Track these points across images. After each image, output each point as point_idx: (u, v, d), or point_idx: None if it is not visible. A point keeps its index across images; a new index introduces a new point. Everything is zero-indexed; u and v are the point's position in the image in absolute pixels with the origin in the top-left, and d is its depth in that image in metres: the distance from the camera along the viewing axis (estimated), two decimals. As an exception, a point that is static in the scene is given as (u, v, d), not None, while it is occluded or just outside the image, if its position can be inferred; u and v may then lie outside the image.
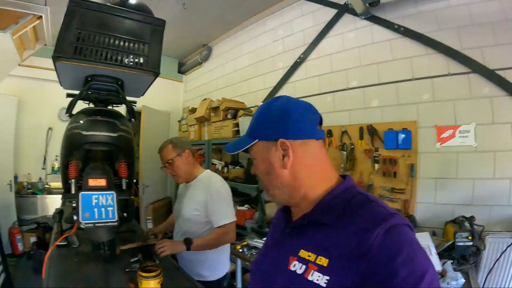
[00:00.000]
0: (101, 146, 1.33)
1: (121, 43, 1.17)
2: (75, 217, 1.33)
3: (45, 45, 4.15)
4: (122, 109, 1.48)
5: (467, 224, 1.90)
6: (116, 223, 1.13)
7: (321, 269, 0.57)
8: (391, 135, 2.30)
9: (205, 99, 3.64)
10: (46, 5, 3.16)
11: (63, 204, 1.51)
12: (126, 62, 1.17)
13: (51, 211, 3.91)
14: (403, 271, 0.48)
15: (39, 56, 4.11)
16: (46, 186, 4.19)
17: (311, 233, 0.65)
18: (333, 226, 0.61)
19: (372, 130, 2.41)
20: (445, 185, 2.13)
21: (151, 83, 1.37)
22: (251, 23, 3.80)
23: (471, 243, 1.82)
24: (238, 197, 3.17)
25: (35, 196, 3.96)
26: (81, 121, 1.30)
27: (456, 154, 2.10)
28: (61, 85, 1.47)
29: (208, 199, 1.63)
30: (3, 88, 3.81)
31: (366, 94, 2.56)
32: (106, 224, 1.11)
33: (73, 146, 1.31)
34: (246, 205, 2.98)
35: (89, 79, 1.23)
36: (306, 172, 0.68)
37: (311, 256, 0.60)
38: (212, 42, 4.52)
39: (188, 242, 1.53)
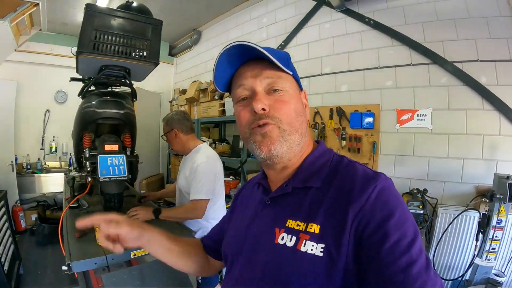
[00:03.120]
0: (111, 121, 1.78)
1: (129, 40, 1.62)
2: (89, 179, 1.82)
3: (40, 30, 4.45)
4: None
5: (419, 195, 2.34)
6: (126, 178, 1.61)
7: (314, 237, 0.55)
8: (357, 116, 2.76)
9: (195, 81, 4.08)
10: (43, -7, 3.47)
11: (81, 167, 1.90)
12: (133, 55, 1.62)
13: (49, 190, 4.39)
14: (395, 235, 0.49)
15: (34, 41, 4.44)
16: (45, 165, 4.58)
17: (296, 200, 0.63)
18: (320, 189, 0.61)
19: (340, 112, 2.87)
20: (403, 162, 2.56)
21: (151, 71, 1.83)
22: (238, 10, 4.14)
23: (422, 211, 2.25)
24: (225, 170, 3.74)
25: (34, 175, 4.34)
26: (94, 101, 1.73)
27: (413, 135, 2.52)
28: (77, 72, 1.89)
29: (190, 173, 1.85)
30: (2, 73, 4.13)
31: (337, 79, 2.99)
32: (119, 178, 1.59)
33: (87, 121, 1.76)
34: (231, 177, 3.55)
35: (103, 67, 1.67)
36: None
37: (301, 225, 0.58)
38: (202, 27, 4.86)
39: (156, 212, 1.78)
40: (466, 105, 2.31)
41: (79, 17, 4.06)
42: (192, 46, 5.11)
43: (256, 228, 0.68)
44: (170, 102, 4.76)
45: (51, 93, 4.73)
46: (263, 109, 0.62)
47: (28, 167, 4.46)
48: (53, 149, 4.70)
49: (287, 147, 0.63)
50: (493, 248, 1.95)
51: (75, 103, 4.52)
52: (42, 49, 4.51)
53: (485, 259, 1.96)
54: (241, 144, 3.28)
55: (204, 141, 3.49)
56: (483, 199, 2.13)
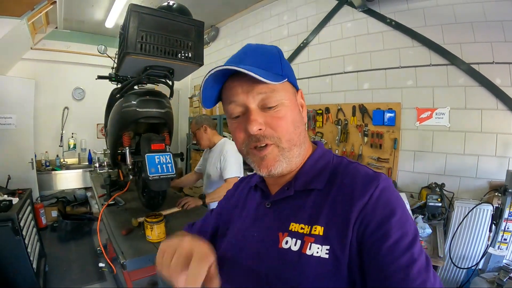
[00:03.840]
0: (153, 120, 1.81)
1: (174, 41, 1.64)
2: (130, 176, 1.86)
3: (56, 28, 4.45)
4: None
5: (438, 189, 2.45)
6: (174, 175, 1.65)
7: (318, 239, 0.54)
8: (379, 114, 2.83)
9: None
10: (60, -10, 3.48)
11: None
12: (179, 56, 1.65)
13: (68, 186, 4.43)
14: (395, 234, 0.48)
15: (50, 39, 4.45)
16: (64, 162, 4.61)
17: (299, 203, 0.62)
18: (322, 191, 0.60)
19: (363, 109, 2.94)
20: (422, 157, 2.65)
21: (193, 71, 1.86)
22: (257, 7, 4.15)
23: (440, 204, 2.36)
24: (246, 165, 3.84)
25: (53, 172, 4.36)
26: (135, 101, 1.76)
27: (432, 132, 2.60)
28: (117, 71, 1.91)
29: (221, 159, 2.21)
30: (20, 71, 4.22)
31: (359, 77, 3.04)
32: (168, 176, 1.63)
33: (128, 120, 1.78)
34: (253, 172, 3.59)
35: (147, 68, 1.69)
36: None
37: (305, 228, 0.57)
38: (219, 24, 4.85)
39: (203, 197, 2.11)
40: (482, 105, 2.38)
41: (96, 14, 4.14)
42: (209, 42, 5.10)
43: (257, 233, 0.65)
44: (190, 98, 4.75)
45: (69, 90, 4.76)
46: (259, 129, 0.58)
47: (47, 164, 4.48)
48: (72, 146, 4.73)
49: (287, 163, 0.61)
50: (505, 239, 2.06)
51: (92, 99, 4.68)
52: (58, 47, 4.51)
53: (498, 249, 2.05)
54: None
55: (225, 136, 3.58)
56: (496, 194, 2.22)
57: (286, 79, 0.61)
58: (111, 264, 2.20)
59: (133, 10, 1.53)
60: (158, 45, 1.60)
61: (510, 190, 1.99)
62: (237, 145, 0.64)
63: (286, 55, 3.76)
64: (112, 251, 2.32)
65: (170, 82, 1.84)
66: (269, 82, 0.54)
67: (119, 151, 2.10)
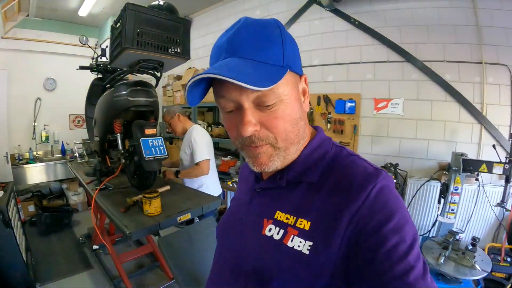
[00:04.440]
0: (142, 108, 1.98)
1: (166, 37, 1.81)
2: (122, 160, 2.03)
3: (28, 15, 4.29)
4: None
5: (392, 168, 2.84)
6: (167, 156, 1.85)
7: (303, 233, 0.53)
8: (341, 103, 3.19)
9: (190, 68, 4.21)
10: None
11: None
12: (170, 51, 1.83)
13: (43, 179, 4.33)
14: (393, 239, 0.46)
15: (21, 27, 4.28)
16: (37, 155, 4.48)
17: (288, 192, 0.60)
18: (315, 184, 0.57)
19: (327, 99, 3.29)
20: (379, 142, 3.04)
21: (180, 64, 2.04)
22: (230, 1, 4.27)
23: (394, 181, 2.80)
24: (221, 151, 4.18)
25: (26, 166, 4.22)
26: (125, 91, 1.92)
27: (388, 120, 2.98)
28: (110, 64, 2.03)
29: (190, 144, 2.50)
30: None
31: (324, 71, 3.37)
32: (161, 157, 1.83)
33: (120, 109, 1.94)
34: (229, 156, 3.91)
35: (140, 61, 1.85)
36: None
37: (290, 219, 0.56)
38: (193, 15, 4.89)
39: (176, 173, 2.56)
40: (432, 97, 2.78)
41: (70, 2, 4.08)
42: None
43: (245, 215, 0.66)
44: (164, 87, 4.83)
45: (40, 80, 4.60)
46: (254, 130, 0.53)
47: (20, 157, 4.35)
48: (44, 138, 4.61)
49: (282, 161, 0.58)
50: (452, 209, 2.45)
51: (64, 90, 4.59)
52: (30, 36, 4.35)
53: (446, 218, 2.46)
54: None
55: (200, 124, 3.81)
56: (444, 172, 2.66)
57: (288, 70, 0.53)
58: (107, 244, 2.35)
59: (130, 8, 1.66)
60: (151, 41, 1.75)
61: (454, 168, 2.40)
62: (231, 138, 0.60)
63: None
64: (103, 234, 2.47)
65: (158, 74, 2.01)
66: (265, 88, 0.47)
67: (109, 138, 2.24)
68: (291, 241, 0.54)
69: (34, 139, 4.53)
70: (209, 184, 2.63)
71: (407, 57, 2.85)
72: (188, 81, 0.52)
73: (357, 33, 3.11)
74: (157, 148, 1.83)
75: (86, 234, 3.57)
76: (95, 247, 3.11)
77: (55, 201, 4.13)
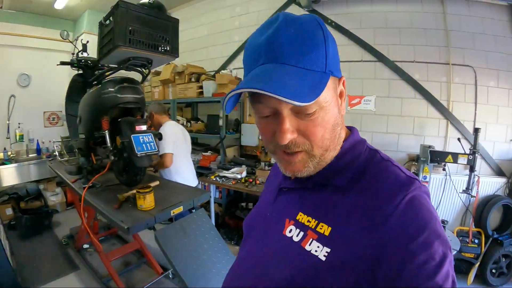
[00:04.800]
0: (130, 105, 2.00)
1: (155, 35, 1.86)
2: (111, 157, 2.06)
3: (1, 7, 4.09)
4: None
5: None
6: (158, 152, 1.91)
7: (322, 239, 0.52)
8: (317, 100, 3.41)
9: (168, 63, 4.14)
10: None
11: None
12: (159, 49, 1.88)
13: (19, 180, 4.15)
14: (421, 256, 0.43)
15: None
16: (13, 155, 4.27)
17: (313, 194, 0.59)
18: (342, 189, 0.55)
19: (302, 97, 3.48)
20: None
21: (168, 62, 2.09)
22: None
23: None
24: (201, 146, 4.26)
25: (0, 166, 4.01)
26: (113, 88, 1.93)
27: (361, 115, 3.19)
28: (98, 60, 2.02)
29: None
30: None
31: (299, 71, 3.56)
32: (152, 153, 1.88)
33: (108, 106, 1.95)
34: (209, 152, 3.97)
35: (130, 58, 1.89)
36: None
37: (311, 222, 0.55)
38: (172, 9, 4.82)
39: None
40: (402, 94, 3.02)
41: None
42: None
43: (270, 213, 0.66)
44: (142, 83, 4.77)
45: (14, 76, 4.38)
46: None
47: None
48: (19, 137, 4.40)
49: (315, 167, 0.56)
50: (422, 199, 2.71)
51: (39, 86, 4.44)
52: (2, 29, 4.13)
53: (415, 208, 2.71)
54: (220, 122, 3.60)
55: (178, 120, 3.84)
56: (413, 163, 2.90)
57: (330, 75, 0.51)
58: (97, 242, 2.35)
59: (122, 6, 1.68)
60: (142, 39, 1.78)
61: (422, 159, 2.65)
62: (264, 141, 0.58)
63: (237, 45, 4.05)
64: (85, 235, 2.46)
65: (146, 71, 2.05)
66: (310, 103, 0.46)
67: (95, 135, 2.25)
68: (309, 244, 0.53)
69: (8, 138, 4.33)
70: (185, 176, 2.77)
71: (380, 57, 3.07)
72: (229, 93, 0.49)
73: (334, 33, 3.15)
74: (148, 144, 1.88)
75: (68, 235, 3.51)
76: (85, 246, 3.08)
77: (33, 203, 4.00)
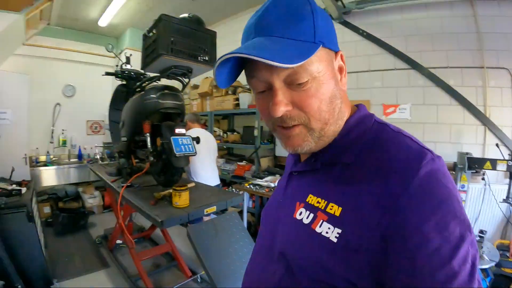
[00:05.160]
0: (171, 110, 2.15)
1: (196, 46, 2.02)
2: (151, 158, 2.19)
3: (49, 24, 4.52)
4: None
5: None
6: (195, 153, 2.02)
7: (332, 219, 0.50)
8: (352, 110, 3.42)
9: (207, 77, 4.41)
10: (57, -13, 3.63)
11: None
12: (199, 59, 2.03)
13: (59, 182, 4.49)
14: (435, 240, 0.40)
15: (42, 35, 4.55)
16: (55, 159, 4.68)
17: (322, 175, 0.57)
18: (351, 166, 0.52)
19: (339, 106, 3.52)
20: None
21: (206, 72, 2.23)
22: (246, 14, 4.50)
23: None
24: (236, 156, 4.41)
25: (43, 168, 4.40)
26: (154, 94, 2.08)
27: (396, 124, 3.11)
28: (142, 68, 2.19)
29: None
30: (11, 67, 4.12)
31: (335, 80, 3.61)
32: (190, 154, 2.00)
33: (150, 111, 2.10)
34: (244, 161, 4.07)
35: (172, 67, 2.04)
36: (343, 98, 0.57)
37: (321, 203, 0.53)
38: (207, 26, 5.14)
39: None
40: (438, 101, 2.96)
41: (91, 13, 4.40)
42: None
43: (282, 199, 0.66)
44: (182, 91, 5.04)
45: (59, 86, 4.86)
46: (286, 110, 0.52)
47: (37, 160, 4.52)
48: (62, 142, 4.82)
49: (316, 142, 0.55)
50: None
51: (82, 97, 4.85)
52: (50, 43, 4.63)
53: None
54: (255, 133, 3.72)
55: (215, 131, 4.04)
56: (451, 172, 2.80)
57: (321, 46, 0.49)
58: (130, 238, 2.48)
59: (164, 19, 1.87)
60: (183, 49, 1.94)
61: (459, 166, 2.57)
62: (264, 119, 0.59)
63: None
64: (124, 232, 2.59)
65: (186, 80, 2.20)
66: (294, 65, 0.45)
67: (136, 139, 2.41)
68: (320, 226, 0.51)
69: (52, 142, 4.74)
70: (202, 176, 3.00)
71: (413, 65, 3.04)
72: (216, 62, 0.50)
73: (366, 43, 3.32)
74: (186, 146, 2.00)
75: (102, 235, 3.69)
76: (118, 241, 3.24)
77: (71, 204, 4.22)
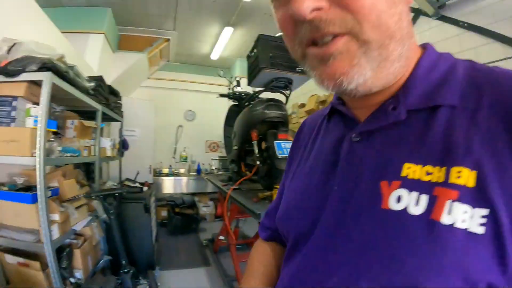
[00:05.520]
0: (276, 119, 2.36)
1: (291, 58, 2.30)
2: (257, 162, 2.49)
3: (168, 61, 5.60)
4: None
5: None
6: (296, 158, 2.25)
7: (466, 194, 0.30)
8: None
9: (312, 95, 4.58)
10: (174, 30, 4.58)
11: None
12: (296, 70, 2.29)
13: (177, 190, 5.14)
14: None
15: (163, 70, 5.67)
16: (176, 171, 5.49)
17: (416, 130, 0.36)
18: (460, 109, 0.34)
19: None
20: None
21: (304, 82, 2.48)
22: None
23: None
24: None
25: (165, 177, 5.06)
26: (260, 106, 2.35)
27: None
28: (248, 84, 2.55)
29: None
30: (141, 95, 5.26)
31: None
32: (291, 158, 2.23)
33: (257, 120, 2.37)
34: None
35: (273, 80, 2.34)
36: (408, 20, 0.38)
37: (435, 172, 0.32)
38: None
39: None
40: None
41: (203, 49, 5.36)
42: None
43: (338, 185, 0.41)
44: (289, 115, 5.24)
45: (181, 112, 5.89)
46: (317, 9, 0.33)
47: (160, 171, 5.31)
48: (183, 158, 5.66)
49: (374, 70, 0.35)
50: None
51: (202, 120, 6.07)
52: (170, 77, 5.71)
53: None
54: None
55: None
56: None
57: None
58: (231, 234, 2.73)
59: (262, 38, 2.22)
60: (282, 62, 2.22)
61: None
62: (289, 46, 0.42)
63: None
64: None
65: (287, 92, 2.45)
66: None
67: (245, 147, 2.72)
68: (448, 213, 0.30)
69: (174, 158, 5.64)
70: None
71: (527, 51, 2.61)
72: None
73: (469, 35, 3.05)
74: (288, 150, 2.24)
75: (210, 238, 3.94)
76: (221, 237, 3.44)
77: (186, 210, 4.70)
